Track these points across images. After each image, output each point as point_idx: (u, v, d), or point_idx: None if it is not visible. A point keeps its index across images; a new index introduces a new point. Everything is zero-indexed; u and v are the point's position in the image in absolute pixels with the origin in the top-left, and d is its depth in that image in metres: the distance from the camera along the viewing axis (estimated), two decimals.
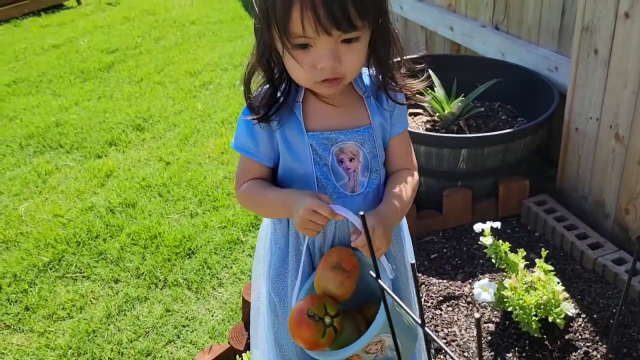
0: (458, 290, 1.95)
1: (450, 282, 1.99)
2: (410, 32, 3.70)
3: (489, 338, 1.75)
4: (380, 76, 1.13)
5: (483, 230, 1.73)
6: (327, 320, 1.09)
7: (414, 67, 1.17)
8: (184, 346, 1.97)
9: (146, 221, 2.64)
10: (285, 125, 1.11)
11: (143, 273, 2.33)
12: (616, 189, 2.03)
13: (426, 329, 0.50)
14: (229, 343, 1.83)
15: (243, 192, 1.17)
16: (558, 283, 1.70)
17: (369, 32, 1.03)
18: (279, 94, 1.11)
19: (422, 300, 1.92)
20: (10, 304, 2.24)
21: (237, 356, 1.78)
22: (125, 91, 4.25)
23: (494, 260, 1.73)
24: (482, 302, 1.85)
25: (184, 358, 1.92)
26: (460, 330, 1.79)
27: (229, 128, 3.52)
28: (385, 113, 1.16)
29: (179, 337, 2.01)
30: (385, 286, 0.54)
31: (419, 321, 0.50)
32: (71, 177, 3.13)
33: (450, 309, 1.89)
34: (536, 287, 1.68)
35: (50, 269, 2.41)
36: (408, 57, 1.16)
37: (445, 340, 1.76)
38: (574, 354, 1.67)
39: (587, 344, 1.69)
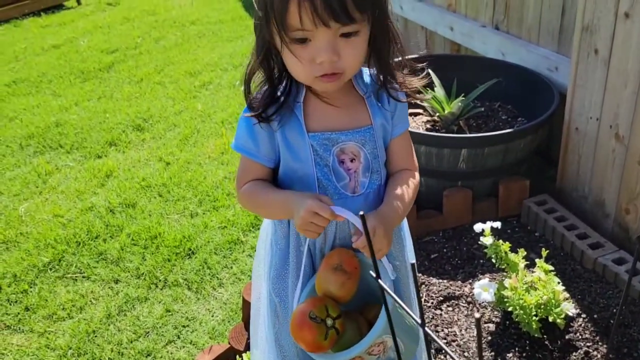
0: (458, 290, 1.95)
1: (451, 282, 1.99)
2: (410, 32, 3.70)
3: (489, 338, 1.75)
4: (381, 75, 1.12)
5: (483, 230, 1.73)
6: (329, 322, 1.08)
7: (414, 66, 1.17)
8: (184, 346, 1.97)
9: (146, 221, 2.64)
10: (285, 125, 1.11)
11: (143, 273, 2.33)
12: (616, 188, 2.03)
13: (426, 329, 0.50)
14: (229, 343, 1.83)
15: (244, 193, 1.17)
16: (558, 283, 1.70)
17: (368, 28, 1.02)
18: (279, 94, 1.11)
19: (422, 300, 1.92)
20: (10, 305, 2.24)
21: (237, 356, 1.78)
22: (125, 91, 4.25)
23: (494, 260, 1.73)
24: (483, 302, 1.85)
25: (184, 358, 1.92)
26: (461, 330, 1.79)
27: (229, 128, 3.52)
28: (386, 113, 1.16)
29: (179, 338, 2.01)
30: (385, 287, 0.54)
31: (419, 321, 0.50)
32: (71, 177, 3.13)
33: (450, 309, 1.88)
34: (536, 287, 1.68)
35: (50, 269, 2.41)
36: (409, 57, 1.16)
37: (445, 341, 1.76)
38: (574, 354, 1.67)
39: (588, 344, 1.69)
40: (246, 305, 1.83)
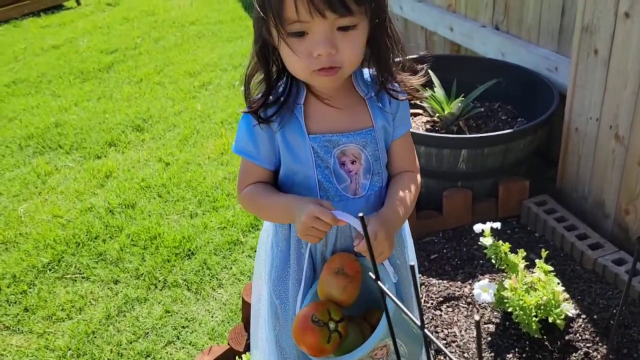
0: (458, 291, 1.95)
1: (450, 283, 1.99)
2: (410, 33, 3.70)
3: (489, 339, 1.75)
4: (381, 75, 1.12)
5: (483, 231, 1.73)
6: (332, 325, 1.08)
7: (414, 66, 1.17)
8: (183, 347, 1.97)
9: (146, 222, 2.64)
10: (286, 127, 1.10)
11: (142, 274, 2.32)
12: (616, 189, 2.03)
13: (426, 331, 0.50)
14: (229, 344, 1.83)
15: (245, 196, 1.17)
16: (558, 284, 1.70)
17: (366, 23, 1.02)
18: (279, 94, 1.10)
19: (422, 301, 1.92)
20: (10, 305, 2.24)
21: (237, 357, 1.78)
22: (125, 92, 4.25)
23: (494, 261, 1.73)
24: (482, 303, 1.84)
25: (183, 359, 1.92)
26: (460, 331, 1.79)
27: (228, 129, 3.51)
28: (387, 115, 1.15)
29: (178, 338, 2.01)
30: (385, 289, 0.53)
31: (419, 323, 0.50)
32: (70, 178, 3.13)
33: (450, 309, 1.88)
34: (536, 287, 1.68)
35: (50, 269, 2.41)
36: (409, 56, 1.15)
37: (445, 341, 1.76)
38: (574, 354, 1.66)
39: (588, 345, 1.69)
40: (246, 306, 1.83)
